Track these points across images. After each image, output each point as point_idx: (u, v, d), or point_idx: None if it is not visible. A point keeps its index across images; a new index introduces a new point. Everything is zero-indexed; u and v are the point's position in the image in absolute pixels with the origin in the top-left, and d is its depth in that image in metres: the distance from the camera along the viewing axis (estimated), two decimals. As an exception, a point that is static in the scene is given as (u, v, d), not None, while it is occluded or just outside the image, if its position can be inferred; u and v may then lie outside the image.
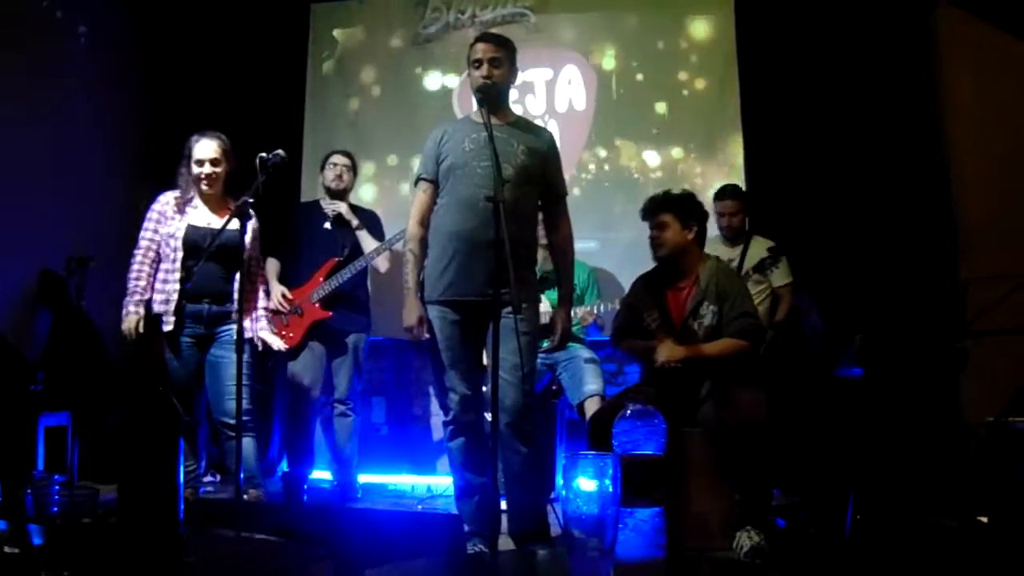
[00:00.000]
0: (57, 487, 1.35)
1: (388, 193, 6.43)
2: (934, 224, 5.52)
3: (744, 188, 5.57)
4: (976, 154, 5.44)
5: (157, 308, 4.26)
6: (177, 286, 4.28)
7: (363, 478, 5.34)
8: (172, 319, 4.26)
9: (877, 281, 5.45)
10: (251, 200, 4.14)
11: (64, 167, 5.86)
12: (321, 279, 5.05)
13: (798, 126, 5.75)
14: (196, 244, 4.32)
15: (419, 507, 5.02)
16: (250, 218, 4.12)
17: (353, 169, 5.39)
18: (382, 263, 5.27)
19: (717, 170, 6.00)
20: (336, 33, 6.78)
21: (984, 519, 3.90)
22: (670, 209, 4.08)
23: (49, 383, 5.07)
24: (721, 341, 3.97)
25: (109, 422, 5.31)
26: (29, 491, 1.31)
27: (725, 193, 5.37)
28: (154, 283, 4.32)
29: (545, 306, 5.14)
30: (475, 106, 3.84)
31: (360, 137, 6.52)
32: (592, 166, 6.24)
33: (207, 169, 4.44)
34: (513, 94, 6.31)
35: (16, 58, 5.53)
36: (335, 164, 5.33)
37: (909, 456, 4.77)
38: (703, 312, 4.01)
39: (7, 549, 1.28)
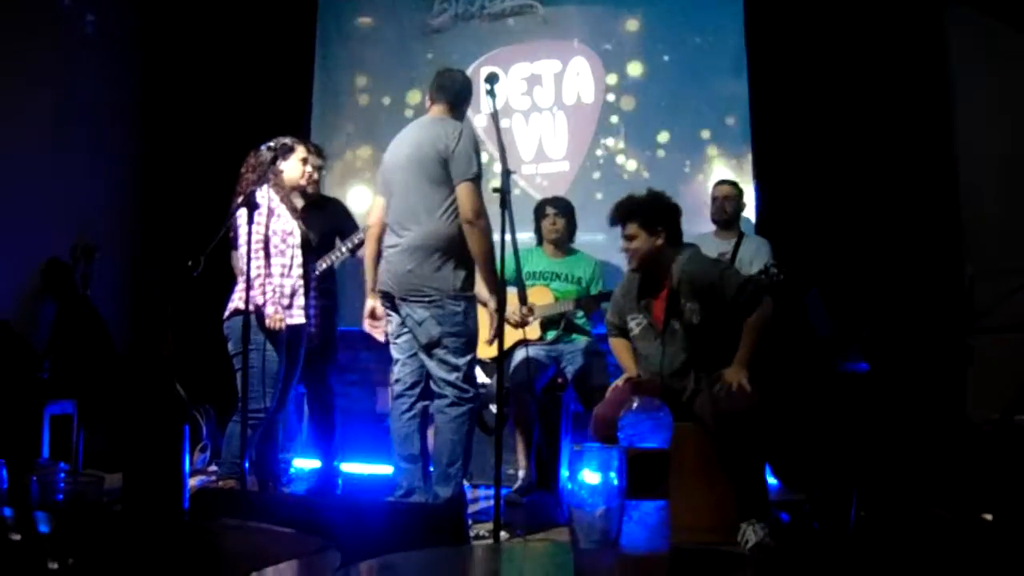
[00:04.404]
0: (62, 475, 1.35)
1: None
2: (941, 219, 5.51)
3: (753, 182, 5.58)
4: (984, 151, 5.43)
5: (280, 301, 4.29)
6: (301, 282, 4.39)
7: (366, 468, 5.34)
8: (301, 312, 4.38)
9: (884, 276, 5.44)
10: (258, 190, 4.18)
11: (70, 156, 5.88)
12: None
13: (807, 121, 5.73)
14: (308, 243, 4.49)
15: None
16: (257, 207, 4.12)
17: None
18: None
19: (725, 164, 5.99)
20: (343, 23, 6.77)
21: (989, 516, 3.90)
22: (633, 217, 4.06)
23: (55, 372, 5.09)
24: (746, 334, 3.97)
25: (114, 411, 5.33)
26: (34, 478, 1.31)
27: (721, 181, 5.46)
28: (268, 276, 4.29)
29: (549, 298, 5.15)
30: (483, 100, 3.92)
31: (367, 128, 6.52)
32: (599, 159, 6.23)
33: (309, 168, 4.65)
34: (521, 86, 6.38)
35: (23, 47, 5.54)
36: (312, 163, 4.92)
37: (914, 452, 4.77)
38: (682, 309, 4.00)
39: (13, 536, 1.29)
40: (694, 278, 4.01)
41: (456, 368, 3.96)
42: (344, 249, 5.03)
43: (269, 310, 4.21)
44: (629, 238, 4.06)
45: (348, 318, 5.27)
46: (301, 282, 4.38)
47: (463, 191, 3.90)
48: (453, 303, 3.92)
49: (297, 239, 4.38)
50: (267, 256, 4.28)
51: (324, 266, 4.99)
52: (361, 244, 4.98)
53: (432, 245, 3.94)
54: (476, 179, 3.92)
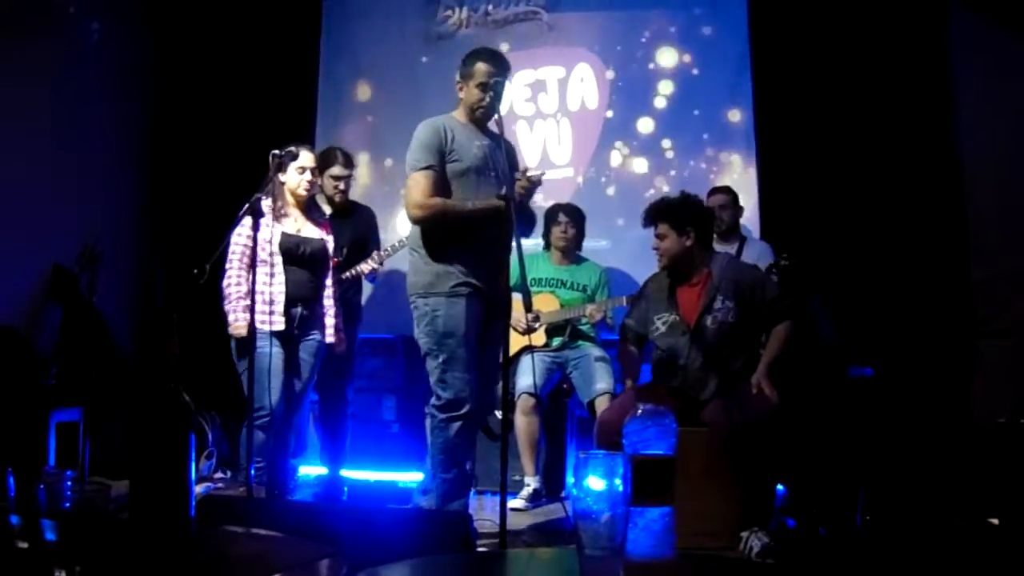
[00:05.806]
0: (69, 482, 1.35)
1: (396, 190, 6.41)
2: (946, 224, 5.50)
3: (756, 188, 5.58)
4: (988, 154, 5.42)
5: (259, 309, 4.27)
6: (282, 288, 4.37)
7: (374, 476, 5.34)
8: (282, 319, 4.36)
9: (889, 281, 5.44)
10: (264, 197, 4.17)
11: (76, 163, 5.88)
12: None
13: (810, 126, 5.74)
14: (290, 251, 4.42)
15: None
16: (262, 215, 4.12)
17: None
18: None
19: (729, 169, 5.99)
20: (347, 30, 6.78)
21: (995, 520, 3.89)
22: (664, 218, 4.13)
23: (61, 379, 5.09)
24: (773, 341, 4.06)
25: (120, 418, 5.33)
26: (41, 486, 1.31)
27: (714, 190, 5.43)
28: (253, 286, 4.30)
29: (555, 304, 5.15)
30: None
31: (371, 134, 6.53)
32: (603, 165, 6.23)
33: (309, 177, 4.54)
34: (525, 92, 6.38)
35: (29, 54, 5.55)
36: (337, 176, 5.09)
37: (920, 456, 4.76)
38: (717, 307, 4.03)
39: (20, 544, 1.29)
40: (738, 278, 4.10)
41: (429, 373, 3.81)
42: (357, 270, 5.03)
43: (230, 318, 4.31)
44: (659, 237, 4.14)
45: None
46: (283, 288, 4.37)
47: (407, 185, 3.84)
48: (423, 302, 3.79)
49: (276, 246, 4.38)
50: (253, 265, 4.30)
51: (351, 273, 4.99)
52: (374, 268, 5.00)
53: (410, 248, 3.93)
54: (420, 169, 3.76)
